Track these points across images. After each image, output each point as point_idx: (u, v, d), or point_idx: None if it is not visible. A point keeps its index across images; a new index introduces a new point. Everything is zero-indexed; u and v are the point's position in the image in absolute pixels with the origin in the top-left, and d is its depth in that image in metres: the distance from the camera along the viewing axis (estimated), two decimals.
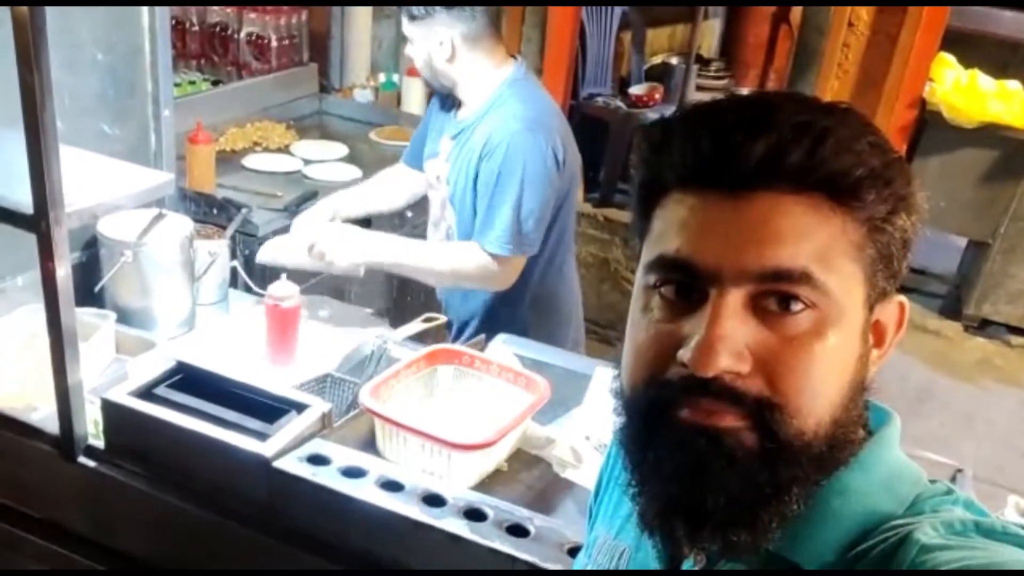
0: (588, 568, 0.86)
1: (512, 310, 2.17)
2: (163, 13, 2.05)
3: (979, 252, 4.16)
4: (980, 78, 3.91)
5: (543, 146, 2.00)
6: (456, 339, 2.23)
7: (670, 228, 0.67)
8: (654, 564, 0.75)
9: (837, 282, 0.63)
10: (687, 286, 0.66)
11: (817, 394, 0.64)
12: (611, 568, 0.82)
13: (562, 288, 2.25)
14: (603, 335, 4.11)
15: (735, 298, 0.63)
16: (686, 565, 0.72)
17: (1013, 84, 3.94)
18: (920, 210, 0.68)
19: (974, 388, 3.82)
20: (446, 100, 2.19)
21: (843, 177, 0.63)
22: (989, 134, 3.88)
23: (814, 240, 0.63)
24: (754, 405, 0.63)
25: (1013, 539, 0.62)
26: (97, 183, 1.72)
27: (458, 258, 2.08)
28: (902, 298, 0.71)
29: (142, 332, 1.91)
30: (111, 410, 1.47)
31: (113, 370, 1.76)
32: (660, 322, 0.67)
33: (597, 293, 4.05)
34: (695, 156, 0.65)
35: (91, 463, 1.48)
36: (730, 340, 0.62)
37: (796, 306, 0.63)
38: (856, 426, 0.69)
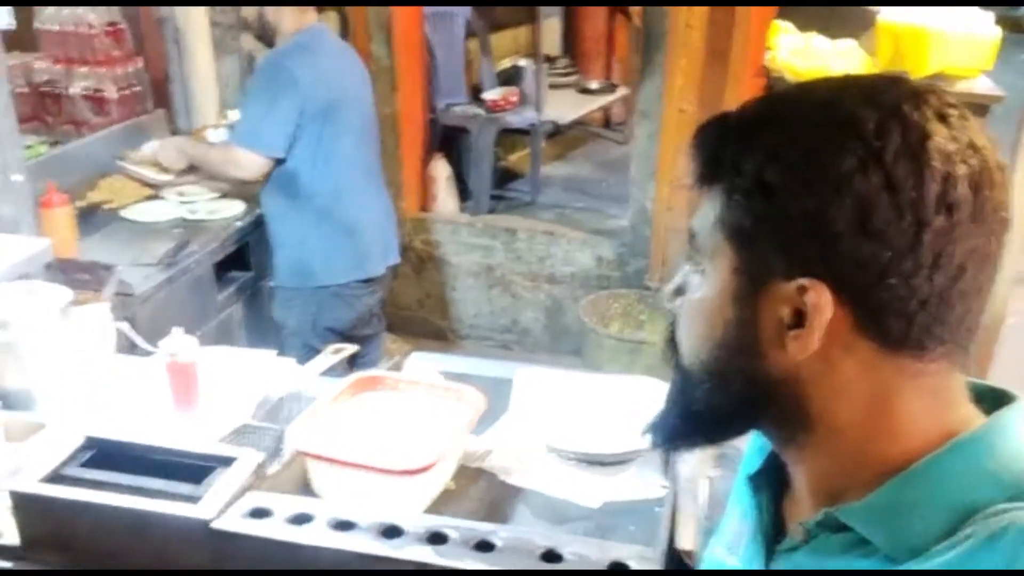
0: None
1: (293, 205, 2.76)
2: (0, 75, 1.90)
3: None
4: (815, 40, 4.08)
5: (282, 63, 2.64)
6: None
7: None
8: (758, 539, 0.76)
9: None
10: None
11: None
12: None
13: (338, 207, 2.79)
14: (501, 340, 4.09)
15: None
16: (787, 543, 0.72)
17: (846, 43, 4.13)
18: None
19: None
20: None
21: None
22: None
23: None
24: None
25: None
26: None
27: (225, 153, 2.78)
28: (812, 283, 0.64)
29: (28, 415, 1.75)
30: (22, 502, 1.33)
31: (7, 460, 1.60)
32: None
33: (488, 299, 4.03)
34: None
35: (7, 564, 1.34)
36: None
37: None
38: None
